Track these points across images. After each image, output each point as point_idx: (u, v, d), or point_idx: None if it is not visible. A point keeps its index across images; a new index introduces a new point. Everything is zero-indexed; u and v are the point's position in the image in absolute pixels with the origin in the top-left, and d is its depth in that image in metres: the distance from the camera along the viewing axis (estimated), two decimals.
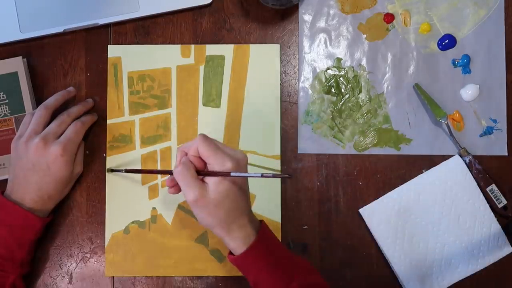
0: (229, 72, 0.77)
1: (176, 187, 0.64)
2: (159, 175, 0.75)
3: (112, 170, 0.74)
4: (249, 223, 0.62)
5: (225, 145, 0.62)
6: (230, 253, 0.64)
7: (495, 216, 0.75)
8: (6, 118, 0.74)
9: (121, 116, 0.76)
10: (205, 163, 0.61)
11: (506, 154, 0.77)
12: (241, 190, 0.62)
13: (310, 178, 0.76)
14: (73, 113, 0.72)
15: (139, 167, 0.75)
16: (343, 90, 0.77)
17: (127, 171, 0.73)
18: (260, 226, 0.64)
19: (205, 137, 0.61)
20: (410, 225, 0.75)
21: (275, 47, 0.77)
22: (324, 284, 0.64)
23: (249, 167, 0.74)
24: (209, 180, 0.60)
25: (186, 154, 0.62)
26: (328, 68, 0.78)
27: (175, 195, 0.74)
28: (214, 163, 0.59)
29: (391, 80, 0.77)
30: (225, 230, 0.61)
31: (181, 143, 0.76)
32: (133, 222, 0.75)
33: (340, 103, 0.77)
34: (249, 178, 0.65)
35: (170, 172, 0.64)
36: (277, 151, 0.76)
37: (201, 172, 0.61)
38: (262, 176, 0.59)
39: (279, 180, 0.75)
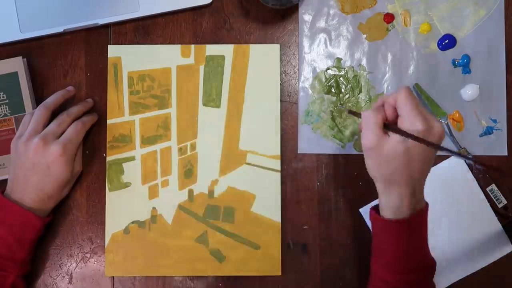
0: (229, 72, 0.77)
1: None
2: (158, 176, 0.75)
3: (350, 112, 0.66)
4: (409, 197, 0.60)
5: (428, 112, 0.60)
6: (374, 207, 0.64)
7: (495, 216, 0.75)
8: (6, 118, 0.74)
9: (121, 116, 0.76)
10: (396, 117, 0.61)
11: (506, 154, 0.77)
12: (418, 160, 0.59)
13: (310, 178, 0.76)
14: (73, 113, 0.72)
15: (139, 167, 0.75)
16: (343, 90, 0.77)
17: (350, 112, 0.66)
18: (420, 210, 0.62)
19: (409, 91, 0.59)
20: None
21: (275, 47, 0.77)
22: None
23: (249, 166, 0.75)
24: (392, 136, 0.59)
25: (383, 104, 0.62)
26: (328, 68, 0.78)
27: (175, 195, 0.74)
28: (406, 119, 0.58)
29: (391, 80, 0.77)
30: (384, 188, 0.61)
31: (181, 143, 0.76)
32: (133, 222, 0.75)
33: (340, 103, 0.77)
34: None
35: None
36: (277, 151, 0.76)
37: (387, 125, 0.60)
38: (454, 154, 0.60)
39: (279, 180, 0.75)
